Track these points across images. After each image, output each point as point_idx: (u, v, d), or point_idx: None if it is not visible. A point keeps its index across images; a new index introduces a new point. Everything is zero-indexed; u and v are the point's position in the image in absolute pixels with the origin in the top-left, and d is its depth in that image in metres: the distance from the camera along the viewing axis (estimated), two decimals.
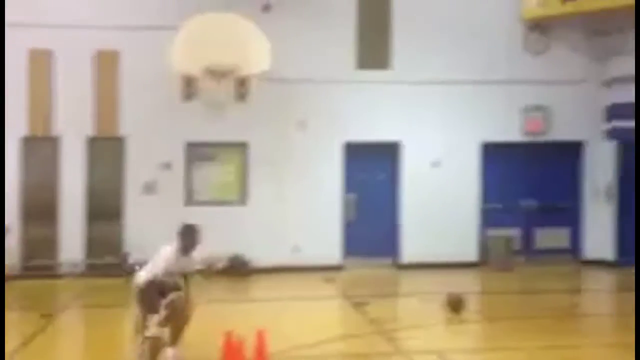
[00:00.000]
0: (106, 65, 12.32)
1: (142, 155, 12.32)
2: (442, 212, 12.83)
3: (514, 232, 13.15)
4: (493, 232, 13.00)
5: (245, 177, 12.77)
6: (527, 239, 13.37)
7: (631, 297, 9.29)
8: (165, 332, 6.45)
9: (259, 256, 12.30)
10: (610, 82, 12.92)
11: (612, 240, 13.06)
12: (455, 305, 8.71)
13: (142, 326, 6.50)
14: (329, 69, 12.69)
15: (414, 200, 12.95)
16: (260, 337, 6.47)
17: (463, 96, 12.98)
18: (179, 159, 12.53)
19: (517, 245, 13.09)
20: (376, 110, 12.83)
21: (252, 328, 6.60)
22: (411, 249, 12.89)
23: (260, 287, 11.61)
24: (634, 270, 11.42)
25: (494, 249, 12.80)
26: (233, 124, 12.46)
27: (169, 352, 6.46)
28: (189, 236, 6.67)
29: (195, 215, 11.76)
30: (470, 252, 13.00)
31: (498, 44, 13.07)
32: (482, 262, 12.94)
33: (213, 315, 7.58)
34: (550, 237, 13.35)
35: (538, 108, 13.14)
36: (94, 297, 10.90)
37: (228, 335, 6.32)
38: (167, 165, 12.42)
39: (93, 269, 12.12)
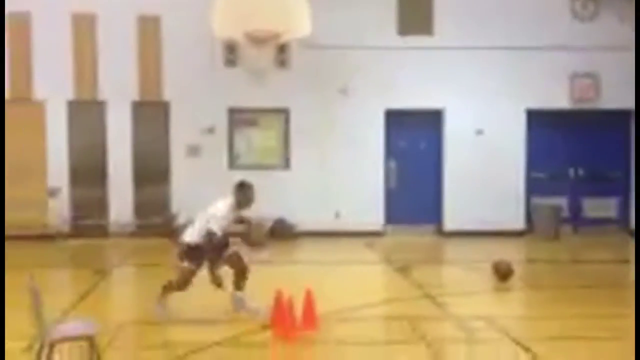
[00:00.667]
0: (148, 30, 12.39)
1: (185, 119, 12.45)
2: (486, 181, 12.72)
3: (561, 201, 12.97)
4: (539, 201, 12.84)
5: (287, 143, 12.81)
6: (575, 208, 13.19)
7: None
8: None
9: (302, 220, 12.39)
10: None
11: None
12: (503, 272, 8.66)
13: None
14: (370, 35, 12.57)
15: (457, 167, 12.85)
16: (309, 297, 6.55)
17: (508, 62, 12.76)
18: (222, 123, 12.62)
19: (564, 214, 12.92)
20: (419, 76, 12.70)
21: (298, 289, 6.67)
22: (454, 216, 12.84)
23: (303, 251, 11.73)
24: None
25: (541, 217, 12.65)
26: (274, 90, 12.52)
27: (237, 294, 6.85)
28: (244, 193, 6.81)
29: (238, 179, 11.99)
30: (515, 220, 12.88)
31: (545, 9, 12.77)
32: (528, 231, 12.83)
33: (259, 276, 7.65)
34: (598, 206, 13.14)
35: (586, 75, 12.84)
36: (143, 256, 11.19)
37: (278, 295, 6.41)
38: (211, 130, 12.52)
39: (141, 229, 12.39)
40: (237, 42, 11.44)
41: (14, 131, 12.13)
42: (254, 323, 6.57)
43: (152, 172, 12.47)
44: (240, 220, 6.96)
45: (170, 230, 11.93)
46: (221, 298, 7.03)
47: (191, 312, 6.77)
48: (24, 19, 12.09)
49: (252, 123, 12.90)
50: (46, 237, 12.03)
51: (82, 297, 7.81)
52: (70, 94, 12.30)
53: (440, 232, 13.01)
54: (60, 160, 12.26)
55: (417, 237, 12.76)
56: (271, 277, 8.22)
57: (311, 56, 12.35)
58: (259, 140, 12.89)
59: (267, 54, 12.30)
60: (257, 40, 10.61)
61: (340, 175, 12.68)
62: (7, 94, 12.14)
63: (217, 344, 6.03)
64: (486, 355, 5.87)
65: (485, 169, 12.76)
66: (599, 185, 13.07)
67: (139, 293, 8.88)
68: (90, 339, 4.71)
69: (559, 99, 12.86)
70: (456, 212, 12.82)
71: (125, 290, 9.07)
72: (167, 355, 5.67)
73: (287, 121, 12.80)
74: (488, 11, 12.67)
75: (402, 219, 12.93)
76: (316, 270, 9.71)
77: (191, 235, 6.80)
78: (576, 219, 13.21)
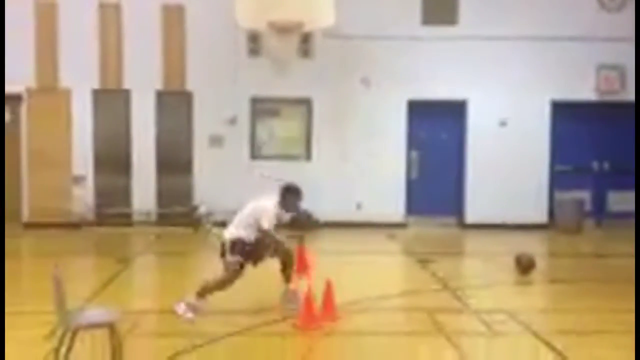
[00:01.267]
0: (173, 19, 12.44)
1: (208, 109, 12.51)
2: (509, 173, 12.62)
3: (585, 195, 12.81)
4: (563, 194, 12.69)
5: (310, 133, 12.81)
6: (598, 201, 13.02)
7: None
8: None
9: (323, 211, 12.35)
10: None
11: None
12: (525, 265, 8.60)
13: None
14: (393, 25, 12.48)
15: (479, 159, 12.75)
16: (329, 288, 6.57)
17: (533, 53, 12.59)
18: (244, 113, 12.65)
19: (587, 207, 12.77)
20: (442, 67, 12.58)
21: (319, 280, 6.69)
22: (475, 208, 12.75)
23: (325, 241, 11.70)
24: None
25: (564, 211, 12.49)
26: (297, 80, 12.52)
27: (291, 286, 6.85)
28: (292, 197, 6.76)
29: (260, 169, 12.14)
30: (538, 213, 12.76)
31: None
32: (551, 224, 12.70)
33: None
34: (622, 200, 12.88)
35: (612, 66, 12.62)
36: (165, 244, 11.31)
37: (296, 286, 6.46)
38: (233, 120, 12.56)
39: (164, 218, 12.52)
40: (260, 31, 11.48)
41: (40, 120, 12.33)
42: (272, 314, 6.60)
43: (175, 161, 12.54)
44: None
45: (192, 219, 12.06)
46: (239, 289, 7.07)
47: (210, 302, 6.81)
48: (51, 8, 12.22)
49: (274, 113, 12.91)
50: (71, 225, 12.21)
51: (105, 285, 7.92)
52: (95, 83, 12.42)
53: (462, 224, 12.94)
54: (85, 149, 12.41)
55: (439, 229, 12.71)
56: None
57: (334, 46, 12.33)
58: (281, 130, 12.90)
59: (291, 44, 12.25)
60: (281, 29, 10.63)
61: (362, 166, 12.66)
62: (34, 83, 12.29)
63: (236, 334, 6.08)
64: (506, 348, 5.85)
65: (508, 161, 12.64)
66: (624, 179, 12.79)
67: (160, 281, 9.00)
68: (111, 326, 4.78)
69: (584, 91, 12.67)
70: (478, 204, 12.72)
71: (147, 279, 9.19)
72: (185, 344, 5.73)
73: (309, 111, 12.79)
74: (513, 1, 12.52)
75: (424, 210, 12.88)
76: (337, 261, 9.69)
77: (236, 231, 6.67)
78: (600, 212, 13.04)
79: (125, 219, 12.46)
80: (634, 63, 12.46)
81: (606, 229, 12.71)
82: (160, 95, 12.59)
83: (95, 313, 5.08)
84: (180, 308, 6.49)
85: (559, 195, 12.71)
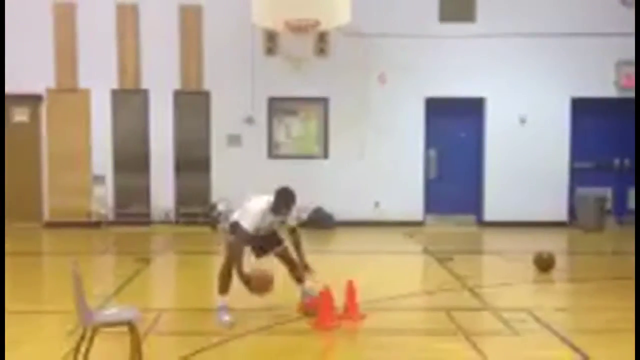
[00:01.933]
0: (190, 19, 12.49)
1: (226, 109, 12.55)
2: (529, 170, 12.52)
3: (606, 192, 12.67)
4: (583, 192, 12.55)
5: (327, 132, 12.80)
6: (620, 199, 12.86)
7: None
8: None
9: (341, 210, 12.40)
10: None
11: None
12: (545, 263, 8.52)
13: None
14: (411, 23, 12.44)
15: (498, 157, 12.66)
16: (350, 287, 6.56)
17: (552, 49, 12.47)
18: (261, 112, 12.67)
19: (608, 205, 12.61)
20: (460, 64, 12.51)
21: (337, 279, 6.70)
22: (495, 207, 12.66)
23: (343, 240, 11.73)
24: None
25: (584, 208, 12.35)
26: (314, 78, 12.52)
27: (307, 284, 6.72)
28: (281, 200, 6.43)
29: (277, 168, 12.18)
30: (558, 211, 12.65)
31: None
32: (571, 222, 12.58)
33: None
34: None
35: (633, 62, 12.43)
36: (184, 243, 11.38)
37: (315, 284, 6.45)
38: (250, 119, 12.59)
39: (182, 218, 12.61)
40: (277, 31, 11.50)
41: (60, 120, 12.46)
42: (292, 312, 6.60)
43: (193, 161, 12.61)
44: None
45: (210, 218, 12.12)
46: None
47: (229, 300, 6.82)
48: (69, 9, 12.34)
49: (291, 112, 12.92)
50: (90, 224, 12.33)
51: (124, 284, 7.97)
52: (114, 83, 12.51)
53: (481, 222, 12.85)
54: (105, 149, 12.52)
55: (457, 228, 12.64)
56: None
57: (351, 44, 12.31)
58: (298, 129, 12.91)
59: (307, 43, 12.32)
60: (297, 28, 10.64)
61: (379, 165, 12.63)
62: (53, 84, 12.42)
63: (254, 332, 6.10)
64: (526, 347, 5.79)
65: (528, 158, 12.55)
66: None
67: (179, 280, 9.04)
68: (130, 325, 4.81)
69: (605, 87, 12.53)
70: (497, 203, 12.64)
71: (166, 278, 9.23)
72: (204, 342, 5.75)
73: (326, 110, 12.78)
74: None
75: (442, 209, 12.83)
76: (355, 260, 9.71)
77: (237, 217, 6.55)
78: (621, 210, 12.88)
79: (144, 218, 12.55)
80: None
81: (627, 226, 12.55)
82: (178, 95, 12.65)
83: (115, 311, 5.12)
84: (217, 317, 6.38)
85: (580, 193, 12.58)
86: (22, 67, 11.95)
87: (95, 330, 4.70)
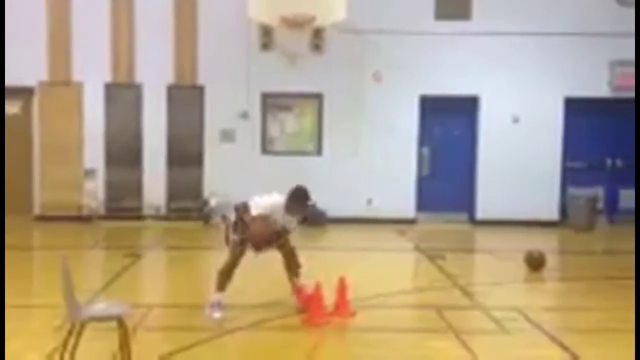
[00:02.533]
0: (184, 14, 12.43)
1: (220, 104, 12.50)
2: (521, 169, 12.52)
3: (598, 192, 12.68)
4: (575, 191, 12.57)
5: (320, 128, 12.78)
6: (611, 199, 12.89)
7: None
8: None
9: (333, 206, 12.38)
10: None
11: None
12: (536, 262, 8.53)
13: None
14: (406, 20, 12.40)
15: (491, 155, 12.66)
16: (342, 283, 6.55)
17: (546, 48, 12.47)
18: (255, 108, 12.63)
19: (600, 205, 12.63)
20: (454, 62, 12.50)
21: (329, 276, 6.68)
22: (487, 205, 12.67)
23: (335, 237, 11.72)
24: None
25: (576, 208, 12.37)
26: (308, 74, 12.49)
27: (300, 281, 6.72)
28: (297, 200, 6.45)
29: (271, 164, 12.16)
30: (550, 210, 12.67)
31: None
32: (563, 222, 12.61)
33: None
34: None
35: (627, 62, 12.46)
36: (175, 239, 11.35)
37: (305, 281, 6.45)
38: (245, 114, 12.55)
39: (174, 213, 12.56)
40: (272, 26, 11.47)
41: (52, 113, 12.38)
42: (282, 309, 6.59)
43: (185, 155, 12.56)
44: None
45: (202, 214, 12.09)
46: (249, 283, 7.08)
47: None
48: (63, 2, 12.25)
49: (285, 108, 12.89)
50: (81, 218, 12.27)
51: (114, 279, 7.93)
52: (107, 77, 12.44)
53: (473, 220, 12.87)
54: (97, 143, 12.44)
55: (449, 225, 12.65)
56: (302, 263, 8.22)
57: (346, 41, 12.28)
58: (292, 125, 12.88)
59: (303, 38, 12.28)
60: (293, 24, 10.62)
61: (372, 162, 12.62)
62: (46, 76, 12.34)
63: (244, 328, 6.08)
64: (516, 346, 5.80)
65: (520, 157, 12.55)
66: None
67: (169, 276, 9.02)
68: (119, 320, 4.78)
69: (598, 87, 12.55)
70: (489, 201, 12.65)
71: (156, 273, 9.21)
72: (192, 338, 5.73)
73: (320, 106, 12.75)
74: None
75: (435, 206, 12.82)
76: (347, 257, 9.70)
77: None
78: (612, 209, 12.91)
79: (136, 213, 12.50)
80: None
81: (618, 226, 12.59)
82: (172, 90, 12.59)
83: (103, 306, 5.09)
84: (207, 311, 6.38)
85: (572, 192, 12.60)
86: (15, 59, 11.84)
87: (83, 326, 4.67)
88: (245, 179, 11.50)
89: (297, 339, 5.96)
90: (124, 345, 4.80)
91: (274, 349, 5.70)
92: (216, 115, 12.52)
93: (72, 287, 4.67)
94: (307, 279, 6.66)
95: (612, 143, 12.79)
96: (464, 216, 12.98)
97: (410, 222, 12.64)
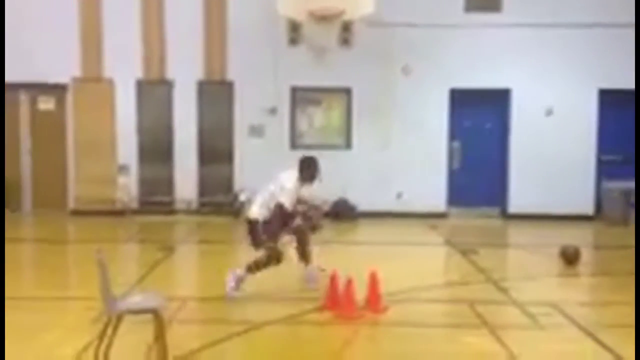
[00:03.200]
0: (214, 9, 12.49)
1: (249, 99, 12.54)
2: (554, 163, 12.36)
3: (633, 185, 12.43)
4: (610, 185, 12.34)
5: (350, 122, 12.75)
6: None
7: None
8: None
9: (363, 201, 12.35)
10: None
11: None
12: (570, 257, 8.41)
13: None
14: (435, 12, 12.30)
15: (523, 149, 12.51)
16: (373, 278, 6.53)
17: (580, 40, 12.27)
18: (284, 103, 12.65)
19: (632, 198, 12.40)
20: (485, 55, 12.38)
21: (360, 270, 6.66)
22: (519, 199, 12.53)
23: (365, 231, 11.70)
24: None
25: (610, 202, 12.16)
26: (337, 69, 12.46)
27: (308, 268, 7.19)
28: (308, 169, 6.94)
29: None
30: (584, 204, 12.48)
31: None
32: (597, 216, 12.41)
33: (321, 257, 7.68)
34: None
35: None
36: (207, 232, 11.44)
37: (335, 275, 6.45)
38: (273, 110, 12.58)
39: (205, 207, 12.66)
40: (300, 20, 11.45)
41: (85, 109, 12.56)
42: (313, 303, 6.60)
43: (216, 151, 12.66)
44: (300, 201, 6.99)
45: (232, 208, 12.15)
46: (280, 277, 7.09)
47: (250, 289, 6.84)
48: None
49: (314, 102, 12.88)
50: (115, 212, 12.43)
51: (148, 272, 8.03)
52: (139, 74, 12.57)
53: (505, 214, 12.73)
54: (129, 139, 12.59)
55: (481, 220, 12.54)
56: (332, 257, 8.22)
57: (375, 34, 12.22)
58: (321, 119, 12.88)
59: (331, 33, 12.24)
60: (321, 18, 10.59)
61: (402, 156, 12.55)
62: (79, 73, 12.50)
63: (276, 322, 6.09)
64: (552, 341, 5.73)
65: (553, 150, 12.38)
66: None
67: (201, 269, 9.09)
68: (155, 312, 4.83)
69: (633, 79, 12.27)
70: (521, 195, 12.50)
71: (189, 266, 9.29)
72: (226, 331, 5.77)
73: (349, 100, 12.72)
74: None
75: (466, 200, 12.72)
76: (377, 251, 9.67)
77: (259, 212, 6.79)
78: None
79: (168, 207, 12.63)
80: None
81: None
82: (202, 85, 12.68)
83: (139, 299, 5.14)
84: (230, 279, 6.75)
85: (606, 186, 12.39)
86: (48, 56, 12.03)
87: (120, 319, 4.73)
88: (275, 173, 11.50)
89: (329, 333, 5.96)
90: (160, 337, 4.84)
91: (306, 342, 5.71)
92: (246, 110, 12.58)
93: (108, 280, 4.73)
94: (339, 274, 6.64)
95: None
96: (495, 210, 12.85)
97: (441, 216, 12.55)
